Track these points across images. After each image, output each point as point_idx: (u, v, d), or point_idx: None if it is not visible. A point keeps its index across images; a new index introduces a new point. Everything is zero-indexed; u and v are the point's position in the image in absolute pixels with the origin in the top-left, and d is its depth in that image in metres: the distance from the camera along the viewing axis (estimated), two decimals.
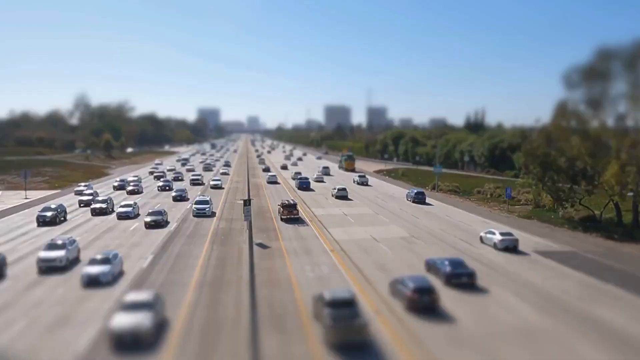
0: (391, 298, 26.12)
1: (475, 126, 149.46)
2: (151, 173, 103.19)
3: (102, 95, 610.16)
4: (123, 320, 20.29)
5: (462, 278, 28.15)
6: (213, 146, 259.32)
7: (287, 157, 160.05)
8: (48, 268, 30.78)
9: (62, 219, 49.17)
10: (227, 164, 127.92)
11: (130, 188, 74.14)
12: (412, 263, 33.39)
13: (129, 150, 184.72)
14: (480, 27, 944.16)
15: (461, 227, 46.98)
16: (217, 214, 52.87)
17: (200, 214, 51.18)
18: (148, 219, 45.45)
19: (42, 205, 52.55)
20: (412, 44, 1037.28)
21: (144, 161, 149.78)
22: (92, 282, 27.67)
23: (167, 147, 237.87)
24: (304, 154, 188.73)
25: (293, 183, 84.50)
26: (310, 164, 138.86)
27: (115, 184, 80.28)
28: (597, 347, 20.54)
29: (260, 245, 38.21)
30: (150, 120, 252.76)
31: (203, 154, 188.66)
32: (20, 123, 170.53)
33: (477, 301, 25.94)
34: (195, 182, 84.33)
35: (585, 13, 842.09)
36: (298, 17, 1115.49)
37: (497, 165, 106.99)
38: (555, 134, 47.52)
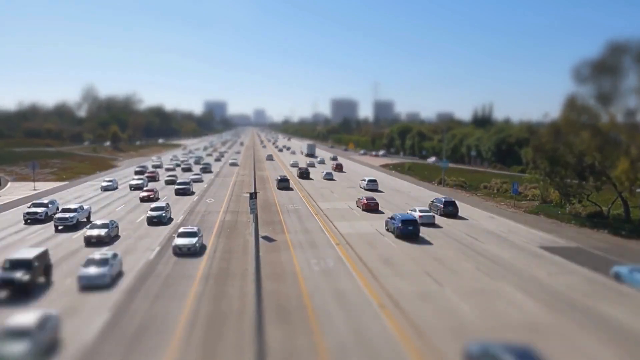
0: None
1: (482, 121, 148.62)
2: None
3: (110, 88, 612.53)
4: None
5: None
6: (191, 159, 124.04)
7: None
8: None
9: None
10: None
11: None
12: (415, 256, 33.40)
13: (137, 142, 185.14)
14: (489, 23, 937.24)
15: (469, 222, 46.85)
16: (222, 207, 53.04)
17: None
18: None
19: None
20: (419, 39, 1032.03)
21: (150, 153, 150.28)
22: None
23: (160, 141, 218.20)
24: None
25: None
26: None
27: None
28: (601, 342, 20.46)
29: (266, 238, 38.31)
30: (157, 113, 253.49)
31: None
32: (29, 115, 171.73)
33: (483, 295, 25.91)
34: None
35: (592, 11, 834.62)
36: (306, 12, 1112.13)
37: (504, 160, 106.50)
38: (564, 129, 47.12)
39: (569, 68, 45.67)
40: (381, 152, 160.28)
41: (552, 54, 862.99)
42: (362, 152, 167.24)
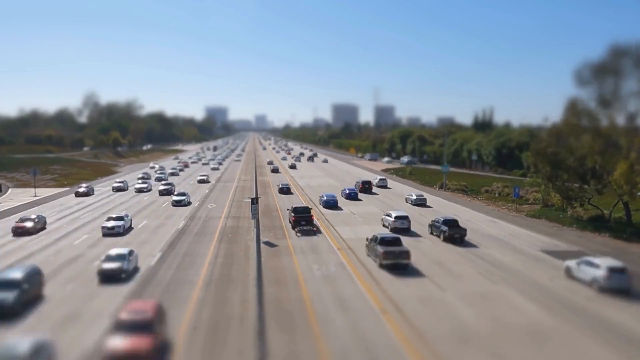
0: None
1: (483, 125, 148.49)
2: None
3: (111, 95, 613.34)
4: None
5: None
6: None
7: None
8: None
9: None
10: None
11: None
12: (416, 261, 33.35)
13: (143, 147, 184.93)
14: (489, 27, 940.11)
15: (470, 227, 46.75)
16: (224, 213, 53.01)
17: None
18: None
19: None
20: (419, 44, 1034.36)
21: (151, 159, 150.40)
22: None
23: (147, 147, 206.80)
24: None
25: None
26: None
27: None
28: (603, 347, 20.40)
29: (268, 243, 38.29)
30: (158, 119, 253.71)
31: None
32: (30, 121, 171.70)
33: (485, 299, 25.86)
34: None
35: (592, 15, 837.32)
36: (306, 17, 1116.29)
37: (505, 164, 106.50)
38: (565, 132, 47.17)
39: (570, 72, 46.18)
40: (385, 159, 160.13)
41: (552, 58, 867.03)
42: (382, 159, 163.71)
